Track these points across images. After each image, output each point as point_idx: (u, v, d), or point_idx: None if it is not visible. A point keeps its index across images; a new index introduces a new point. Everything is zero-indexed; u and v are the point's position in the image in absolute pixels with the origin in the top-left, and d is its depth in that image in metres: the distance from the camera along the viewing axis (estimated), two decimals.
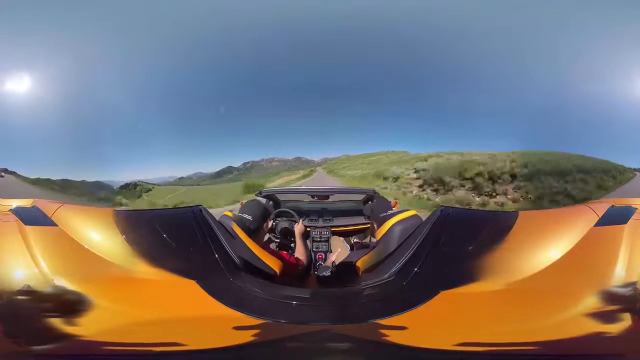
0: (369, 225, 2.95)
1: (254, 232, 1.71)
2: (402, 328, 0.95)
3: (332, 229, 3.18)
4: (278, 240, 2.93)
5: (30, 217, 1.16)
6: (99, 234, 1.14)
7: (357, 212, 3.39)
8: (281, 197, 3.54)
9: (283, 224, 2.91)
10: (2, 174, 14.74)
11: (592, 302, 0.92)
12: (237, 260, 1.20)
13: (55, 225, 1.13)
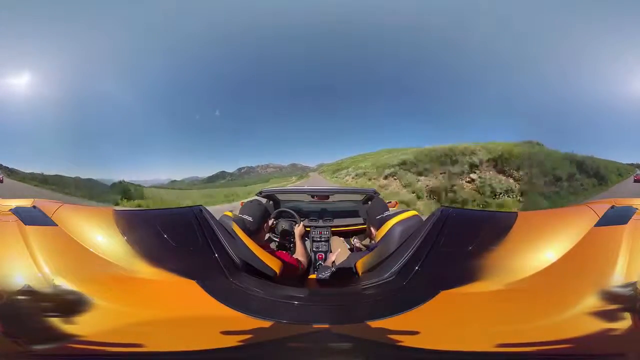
0: None
1: (254, 232, 1.71)
2: (402, 328, 0.95)
3: (332, 229, 3.17)
4: (278, 241, 2.93)
5: (30, 217, 1.16)
6: (99, 234, 1.14)
7: (357, 213, 3.39)
8: (281, 197, 3.54)
9: (283, 224, 2.91)
10: (1, 176, 14.79)
11: (592, 302, 0.92)
12: (237, 260, 1.20)
13: (55, 225, 1.13)
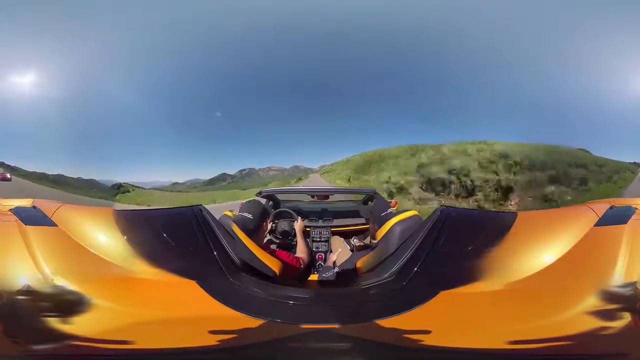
0: (368, 226, 2.95)
1: (253, 231, 1.71)
2: (403, 328, 0.95)
3: (332, 229, 3.17)
4: (278, 242, 2.93)
5: (30, 217, 1.16)
6: (99, 234, 1.14)
7: (357, 213, 3.38)
8: (281, 198, 3.54)
9: (283, 224, 2.91)
10: (9, 175, 14.85)
11: (592, 301, 0.92)
12: (236, 260, 1.20)
13: (55, 225, 1.13)
